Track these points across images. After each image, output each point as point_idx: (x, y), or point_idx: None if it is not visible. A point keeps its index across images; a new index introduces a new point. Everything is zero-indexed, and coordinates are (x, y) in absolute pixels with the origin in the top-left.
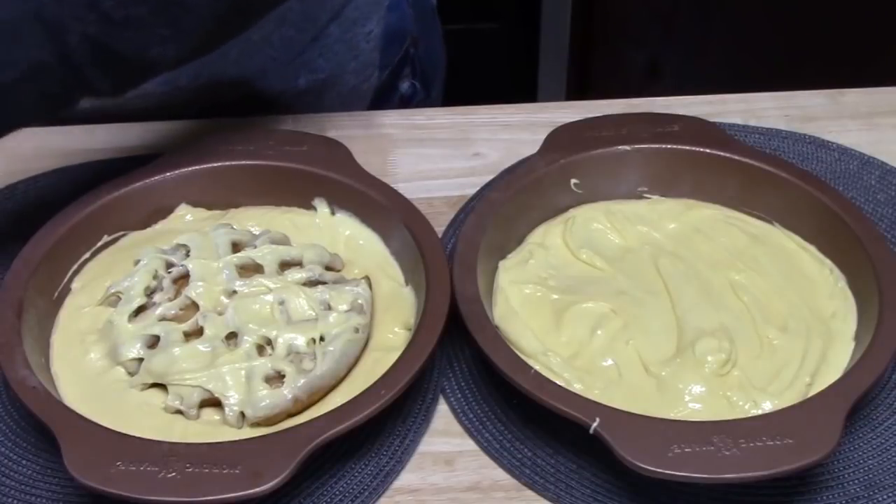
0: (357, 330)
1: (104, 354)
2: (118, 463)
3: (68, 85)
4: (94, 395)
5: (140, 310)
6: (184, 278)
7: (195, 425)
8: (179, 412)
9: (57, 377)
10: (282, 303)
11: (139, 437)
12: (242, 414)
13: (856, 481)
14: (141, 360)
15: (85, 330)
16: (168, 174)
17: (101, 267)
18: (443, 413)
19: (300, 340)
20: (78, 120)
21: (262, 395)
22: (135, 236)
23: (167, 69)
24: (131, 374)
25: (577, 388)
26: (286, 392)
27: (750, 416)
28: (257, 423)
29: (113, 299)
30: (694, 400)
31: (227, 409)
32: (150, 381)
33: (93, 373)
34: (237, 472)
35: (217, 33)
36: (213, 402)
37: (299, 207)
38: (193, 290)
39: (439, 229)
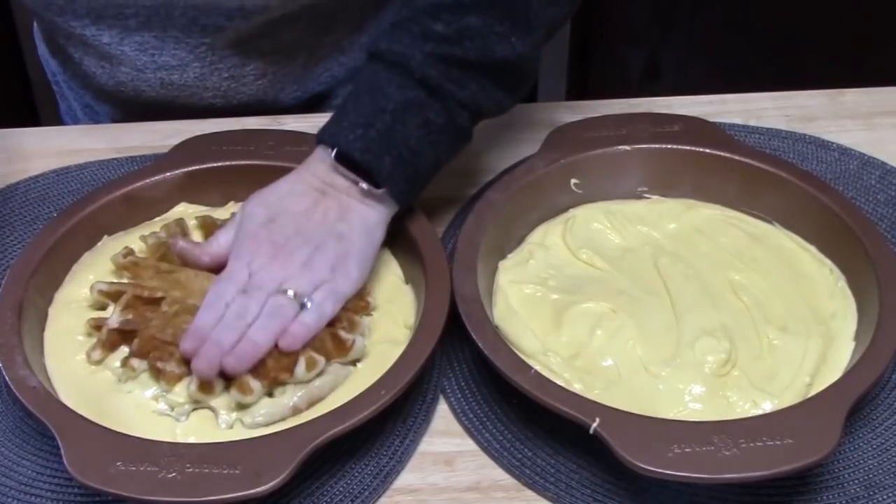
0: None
1: (93, 356)
2: (118, 463)
3: (447, 110)
4: (86, 395)
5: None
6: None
7: (191, 425)
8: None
9: (52, 376)
10: None
11: (139, 437)
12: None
13: (856, 481)
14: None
15: (73, 328)
16: (168, 174)
17: (96, 263)
18: (443, 413)
19: (301, 363)
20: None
21: (260, 404)
22: (134, 236)
23: (524, 65)
24: (120, 380)
25: (577, 388)
26: (286, 401)
27: (750, 416)
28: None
29: (102, 301)
30: (694, 400)
31: (219, 419)
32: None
33: (84, 373)
34: (237, 472)
35: (549, 13)
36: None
37: None
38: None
39: (439, 229)
